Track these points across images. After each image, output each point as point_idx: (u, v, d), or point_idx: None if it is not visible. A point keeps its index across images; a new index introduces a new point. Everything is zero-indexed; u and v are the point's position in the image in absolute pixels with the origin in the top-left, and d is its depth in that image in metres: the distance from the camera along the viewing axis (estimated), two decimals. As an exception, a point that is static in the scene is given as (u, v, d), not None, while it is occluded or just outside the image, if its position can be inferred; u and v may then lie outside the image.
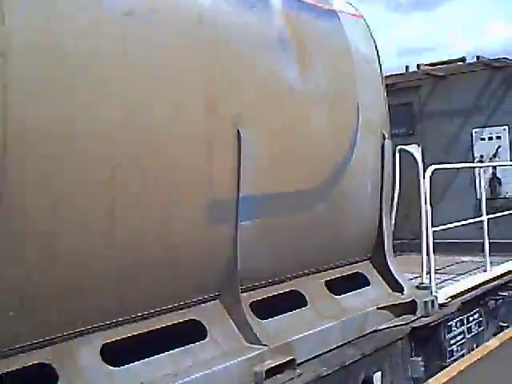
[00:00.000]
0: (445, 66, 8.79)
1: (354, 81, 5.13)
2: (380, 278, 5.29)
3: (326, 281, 4.80)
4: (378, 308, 4.76)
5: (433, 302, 5.13)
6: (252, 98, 4.07)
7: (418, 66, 8.66)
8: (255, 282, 4.13)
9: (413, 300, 5.01)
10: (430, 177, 5.69)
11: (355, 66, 5.17)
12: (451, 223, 7.14)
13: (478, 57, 8.19)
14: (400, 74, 9.00)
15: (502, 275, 6.74)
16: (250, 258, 4.00)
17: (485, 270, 6.50)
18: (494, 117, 8.71)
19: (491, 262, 7.82)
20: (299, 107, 4.47)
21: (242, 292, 3.92)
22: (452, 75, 9.00)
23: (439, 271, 7.22)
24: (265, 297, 4.21)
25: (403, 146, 5.62)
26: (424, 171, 5.70)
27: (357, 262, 5.22)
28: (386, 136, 5.41)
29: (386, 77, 9.44)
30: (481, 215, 7.08)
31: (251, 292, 4.07)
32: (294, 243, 4.45)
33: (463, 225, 6.95)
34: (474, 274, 6.64)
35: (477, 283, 6.13)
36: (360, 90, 5.17)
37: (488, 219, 7.67)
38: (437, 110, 9.21)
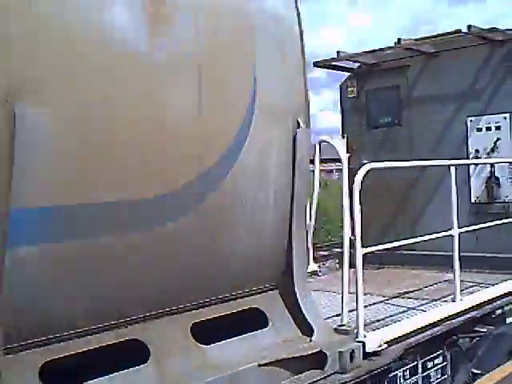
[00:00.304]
0: (434, 39, 7.24)
1: (250, 48, 3.75)
2: (289, 315, 3.91)
3: (194, 323, 3.46)
4: (261, 365, 3.39)
5: (353, 351, 3.72)
6: (49, 61, 2.74)
7: (399, 40, 7.13)
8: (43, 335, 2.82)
9: (320, 351, 3.61)
10: (363, 178, 4.23)
11: (253, 28, 3.78)
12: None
13: (469, 26, 6.61)
14: (380, 50, 7.48)
15: (481, 304, 5.23)
16: (32, 299, 2.71)
17: (453, 300, 5.01)
18: (493, 103, 7.15)
19: (482, 283, 6.35)
20: (141, 80, 3.12)
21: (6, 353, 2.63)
22: (445, 52, 7.46)
23: (402, 295, 5.79)
24: (67, 354, 2.89)
25: (325, 137, 4.20)
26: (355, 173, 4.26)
27: (253, 294, 3.85)
28: (302, 124, 4.00)
29: (367, 52, 8.00)
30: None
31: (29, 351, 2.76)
32: (131, 274, 3.12)
33: (438, 237, 5.49)
34: (440, 304, 5.16)
35: (437, 318, 4.66)
36: (261, 61, 3.78)
37: (488, 227, 6.19)
38: (427, 95, 7.68)
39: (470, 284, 6.40)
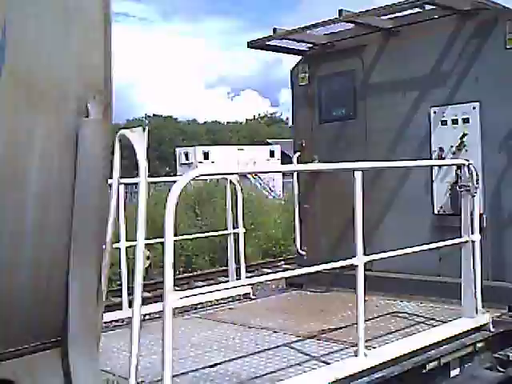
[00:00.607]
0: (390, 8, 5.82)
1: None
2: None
3: None
4: None
5: None
6: None
7: (340, 11, 5.75)
8: None
9: None
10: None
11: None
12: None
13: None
14: (324, 22, 6.09)
15: (398, 359, 3.87)
16: None
17: (356, 354, 3.67)
18: (460, 89, 5.73)
19: (434, 319, 5.00)
20: None
21: None
22: (406, 27, 6.07)
23: (315, 336, 4.48)
24: None
25: (124, 131, 2.91)
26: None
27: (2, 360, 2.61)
28: (94, 112, 2.73)
29: (304, 28, 6.57)
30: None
31: None
32: None
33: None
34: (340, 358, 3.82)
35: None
36: (16, 17, 2.55)
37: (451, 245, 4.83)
38: (385, 81, 6.31)
39: (419, 320, 5.06)
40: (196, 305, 5.94)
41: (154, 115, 73.04)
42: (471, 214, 4.81)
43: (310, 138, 6.91)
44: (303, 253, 6.94)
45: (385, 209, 6.27)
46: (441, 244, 4.69)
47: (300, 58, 7.00)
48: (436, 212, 5.86)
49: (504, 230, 5.42)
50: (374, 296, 5.97)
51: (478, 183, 4.74)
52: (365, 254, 4.39)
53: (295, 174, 6.96)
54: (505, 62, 5.39)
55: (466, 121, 5.65)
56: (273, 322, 5.17)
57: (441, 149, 5.80)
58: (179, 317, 5.51)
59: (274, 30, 6.25)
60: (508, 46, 5.38)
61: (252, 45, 6.54)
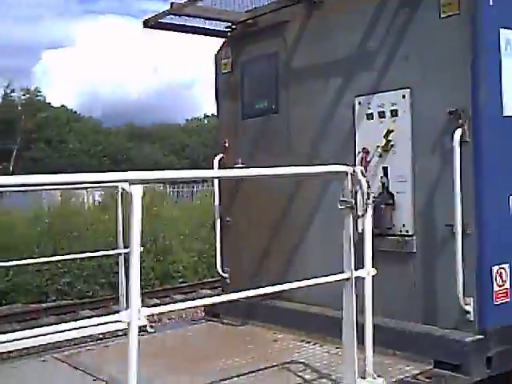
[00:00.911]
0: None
1: None
2: None
3: None
4: None
5: None
6: None
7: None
8: None
9: None
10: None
11: None
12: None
13: None
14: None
15: None
16: None
17: None
18: (388, 73, 4.48)
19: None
20: None
21: None
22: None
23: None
24: None
25: None
26: None
27: None
28: None
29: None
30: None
31: None
32: None
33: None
34: None
35: None
36: None
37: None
38: (308, 66, 5.09)
39: (311, 377, 3.87)
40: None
41: (212, 115, 72.61)
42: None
43: (234, 137, 5.75)
44: (225, 275, 5.79)
45: (307, 224, 5.06)
46: (321, 280, 3.46)
47: (223, 40, 5.85)
48: (360, 230, 4.61)
49: (437, 258, 4.14)
50: (288, 334, 4.82)
51: (368, 199, 3.49)
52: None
53: (216, 182, 5.81)
54: (440, 34, 4.11)
55: (394, 113, 4.39)
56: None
57: (365, 150, 4.55)
58: (34, 358, 4.50)
59: (172, 4, 5.10)
60: (443, 15, 4.10)
61: (148, 24, 5.39)
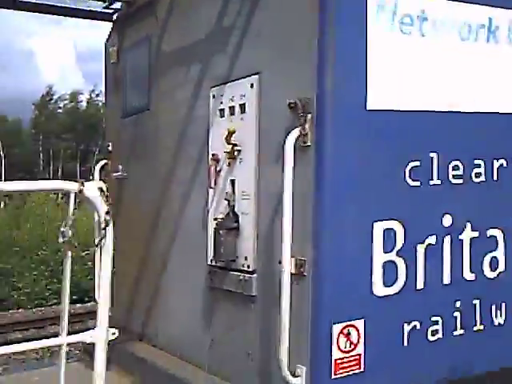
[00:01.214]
0: None
1: None
2: None
3: None
4: None
5: None
6: None
7: None
8: None
9: None
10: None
11: None
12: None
13: None
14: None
15: None
16: None
17: None
18: (240, 55, 3.38)
19: None
20: None
21: None
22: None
23: None
24: None
25: None
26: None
27: None
28: None
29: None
30: None
31: None
32: None
33: None
34: None
35: None
36: None
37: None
38: (175, 51, 4.07)
39: None
40: None
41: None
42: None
43: (117, 140, 4.79)
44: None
45: (169, 252, 4.01)
46: (32, 345, 2.41)
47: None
48: (209, 262, 3.51)
49: (275, 306, 2.99)
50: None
51: (107, 225, 2.42)
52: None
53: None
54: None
55: (242, 109, 3.29)
56: None
57: (214, 157, 3.46)
58: None
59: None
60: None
61: (19, 6, 4.52)
